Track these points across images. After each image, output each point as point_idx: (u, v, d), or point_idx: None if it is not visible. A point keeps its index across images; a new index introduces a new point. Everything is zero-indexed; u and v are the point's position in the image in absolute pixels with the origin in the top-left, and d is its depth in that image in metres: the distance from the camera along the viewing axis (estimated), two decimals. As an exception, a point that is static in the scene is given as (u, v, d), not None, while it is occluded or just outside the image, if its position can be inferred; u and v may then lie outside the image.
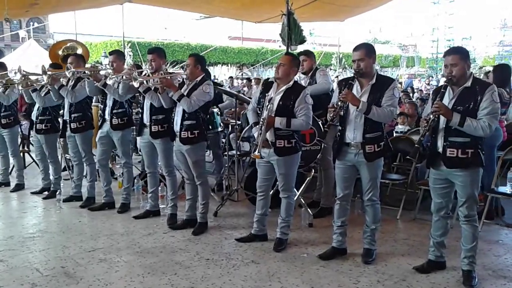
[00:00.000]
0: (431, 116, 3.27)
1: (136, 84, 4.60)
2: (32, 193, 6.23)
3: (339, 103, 3.60)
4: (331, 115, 3.63)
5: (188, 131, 4.44)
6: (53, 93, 5.59)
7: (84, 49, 6.93)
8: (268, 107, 3.97)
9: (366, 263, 3.81)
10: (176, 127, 4.51)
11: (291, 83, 4.03)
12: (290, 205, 4.19)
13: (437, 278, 3.55)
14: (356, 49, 3.67)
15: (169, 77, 4.53)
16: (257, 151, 3.97)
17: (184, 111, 4.42)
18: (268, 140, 4.00)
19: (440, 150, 3.35)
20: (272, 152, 4.03)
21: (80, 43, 7.42)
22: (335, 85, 4.57)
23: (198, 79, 4.50)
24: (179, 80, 4.67)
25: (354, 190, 4.00)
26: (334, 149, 3.87)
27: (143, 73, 4.84)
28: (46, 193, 6.06)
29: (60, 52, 6.62)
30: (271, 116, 3.96)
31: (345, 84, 3.74)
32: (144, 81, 4.66)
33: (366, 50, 3.65)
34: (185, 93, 4.43)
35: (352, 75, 3.72)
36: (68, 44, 6.86)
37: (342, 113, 3.67)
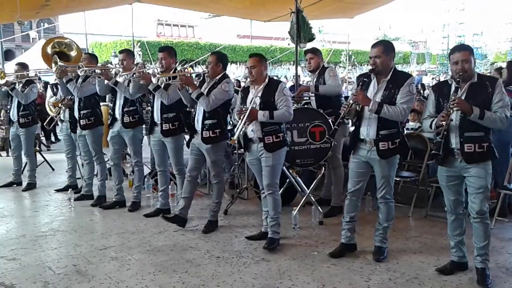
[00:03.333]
0: (451, 110, 3.21)
1: (154, 81, 4.62)
2: (56, 190, 6.32)
3: (351, 102, 3.58)
4: (343, 113, 3.61)
5: (209, 131, 4.43)
6: (61, 86, 5.62)
7: (75, 45, 6.63)
8: (252, 105, 4.03)
9: (377, 261, 3.78)
10: (198, 126, 4.50)
11: (266, 80, 4.10)
12: (276, 201, 4.17)
13: (449, 276, 3.51)
14: (373, 46, 3.67)
15: (188, 75, 4.52)
16: (235, 136, 3.99)
17: (205, 110, 4.43)
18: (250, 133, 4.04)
19: (454, 146, 3.31)
20: (261, 147, 4.05)
21: (66, 38, 7.09)
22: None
23: (218, 77, 4.47)
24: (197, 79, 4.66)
25: (365, 188, 3.97)
26: (349, 143, 3.87)
27: (152, 72, 4.87)
28: (70, 190, 6.03)
29: (49, 51, 6.42)
30: (254, 109, 3.99)
31: (363, 79, 3.73)
32: (162, 78, 4.66)
33: (384, 47, 3.63)
34: (205, 92, 4.42)
35: (368, 72, 3.70)
36: (51, 43, 6.59)
37: (358, 108, 3.66)
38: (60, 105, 6.19)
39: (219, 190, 4.67)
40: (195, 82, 4.56)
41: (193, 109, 4.68)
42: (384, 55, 3.59)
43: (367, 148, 3.68)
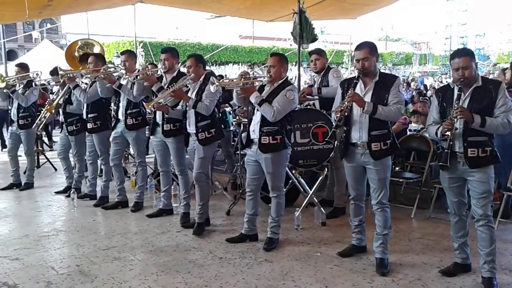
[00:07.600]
0: (454, 119, 3.20)
1: (151, 109, 4.59)
2: (56, 192, 6.30)
3: (346, 104, 3.53)
4: (338, 115, 3.55)
5: (205, 132, 4.43)
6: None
7: (99, 45, 6.88)
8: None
9: (382, 275, 3.57)
10: (191, 129, 4.50)
11: (280, 81, 4.05)
12: (280, 204, 4.16)
13: (453, 278, 3.50)
14: (359, 48, 3.61)
15: (177, 88, 4.46)
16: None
17: (197, 113, 4.42)
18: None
19: (457, 150, 3.29)
20: (259, 150, 4.03)
21: (92, 40, 7.37)
22: None
23: (202, 78, 4.48)
24: (187, 86, 4.62)
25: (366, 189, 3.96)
26: (340, 149, 3.84)
27: (157, 73, 4.88)
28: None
29: (76, 54, 6.61)
30: (253, 86, 4.00)
31: (348, 84, 3.67)
32: (161, 100, 4.55)
33: (370, 48, 3.58)
34: (192, 95, 4.44)
35: (356, 74, 3.65)
36: (79, 43, 6.82)
37: (347, 113, 3.57)
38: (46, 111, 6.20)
39: (202, 191, 4.58)
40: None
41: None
42: (371, 56, 3.56)
43: (360, 151, 3.62)
